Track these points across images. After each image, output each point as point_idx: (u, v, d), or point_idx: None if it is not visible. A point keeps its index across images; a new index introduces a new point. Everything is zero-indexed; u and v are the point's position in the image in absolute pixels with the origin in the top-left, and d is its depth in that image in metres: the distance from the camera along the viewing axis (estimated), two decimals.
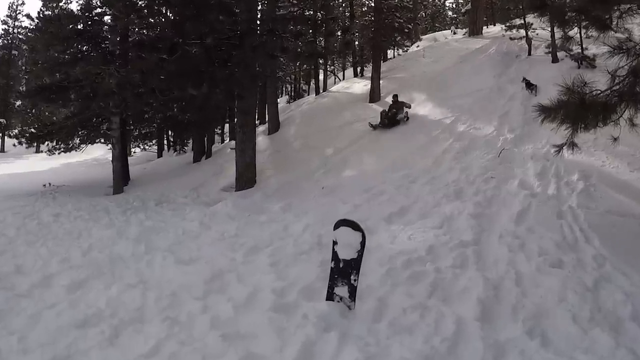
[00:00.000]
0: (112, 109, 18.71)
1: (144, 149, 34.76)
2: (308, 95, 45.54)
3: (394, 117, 18.00)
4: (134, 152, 37.61)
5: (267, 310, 5.46)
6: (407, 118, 18.19)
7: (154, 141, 34.28)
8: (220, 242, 9.07)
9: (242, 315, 5.46)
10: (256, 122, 19.45)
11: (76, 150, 25.41)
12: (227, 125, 32.35)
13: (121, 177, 20.35)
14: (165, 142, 40.04)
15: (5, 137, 53.32)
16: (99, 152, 44.36)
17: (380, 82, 23.47)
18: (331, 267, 5.41)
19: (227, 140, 30.06)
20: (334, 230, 5.32)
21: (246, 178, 15.20)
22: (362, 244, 5.21)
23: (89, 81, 19.19)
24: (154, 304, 6.06)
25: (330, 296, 5.41)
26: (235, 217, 11.33)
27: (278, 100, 27.69)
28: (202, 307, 5.79)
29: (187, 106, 18.77)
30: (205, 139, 25.85)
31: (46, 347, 5.11)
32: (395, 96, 19.01)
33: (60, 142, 24.01)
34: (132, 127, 24.77)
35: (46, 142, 25.03)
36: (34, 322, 5.80)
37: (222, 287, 6.43)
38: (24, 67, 57.18)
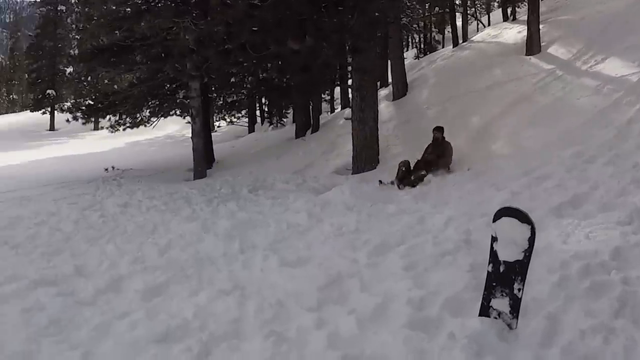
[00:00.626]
0: (191, 71, 18.89)
1: (231, 122, 35.49)
2: (442, 47, 45.18)
3: (418, 177, 13.59)
4: (219, 127, 38.58)
5: (402, 326, 5.40)
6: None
7: (243, 112, 35.05)
8: (337, 238, 9.14)
9: (368, 333, 5.43)
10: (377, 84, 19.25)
11: (145, 126, 26.26)
12: (337, 90, 32.40)
13: (203, 158, 20.73)
14: (258, 112, 40.81)
15: (56, 112, 55.88)
16: (174, 128, 45.87)
17: (540, 27, 22.82)
18: (488, 272, 5.25)
19: (339, 109, 30.09)
20: (493, 222, 5.13)
21: (366, 157, 15.29)
22: (531, 241, 4.97)
23: (158, 38, 19.55)
24: (253, 315, 6.17)
25: (485, 311, 5.28)
26: (354, 206, 11.38)
27: (404, 55, 27.52)
28: (316, 320, 5.82)
29: (287, 65, 18.80)
30: (310, 107, 25.95)
31: None
32: (438, 130, 14.88)
33: (125, 116, 24.96)
34: (215, 95, 25.26)
35: (107, 117, 25.86)
36: (101, 335, 6.04)
37: (341, 296, 6.46)
38: (74, 26, 59.07)
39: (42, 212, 14.38)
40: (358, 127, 15.25)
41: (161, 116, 25.39)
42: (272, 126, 37.84)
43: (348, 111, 18.36)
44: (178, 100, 23.42)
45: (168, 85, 22.63)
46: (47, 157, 36.84)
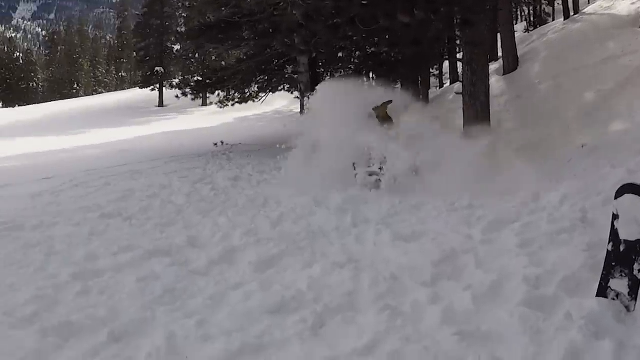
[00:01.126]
0: (300, 46, 18.75)
1: None
2: (553, 20, 44.16)
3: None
4: None
5: (517, 304, 5.31)
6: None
7: None
8: (450, 214, 9.09)
9: (483, 309, 5.38)
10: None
11: (253, 101, 26.84)
12: (445, 64, 32.01)
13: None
14: None
15: (164, 89, 57.10)
16: (282, 103, 46.23)
17: None
18: (607, 251, 5.06)
19: (447, 84, 29.70)
20: (615, 198, 4.94)
21: (476, 131, 14.92)
22: None
23: (266, 14, 19.63)
24: (368, 288, 6.19)
25: (602, 291, 5.09)
26: (467, 182, 11.15)
27: (514, 28, 26.98)
28: (431, 295, 5.79)
29: (397, 39, 18.61)
30: (419, 82, 25.62)
31: (232, 335, 5.38)
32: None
33: (234, 91, 25.22)
34: (322, 70, 25.28)
35: (216, 93, 26.24)
36: (216, 305, 6.20)
37: (455, 272, 6.42)
38: (181, 4, 59.77)
39: (154, 185, 14.85)
40: (469, 102, 14.90)
41: (270, 91, 25.58)
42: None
43: (458, 85, 18.09)
44: (287, 76, 23.51)
45: (276, 61, 22.74)
46: (156, 132, 37.97)
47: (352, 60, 23.09)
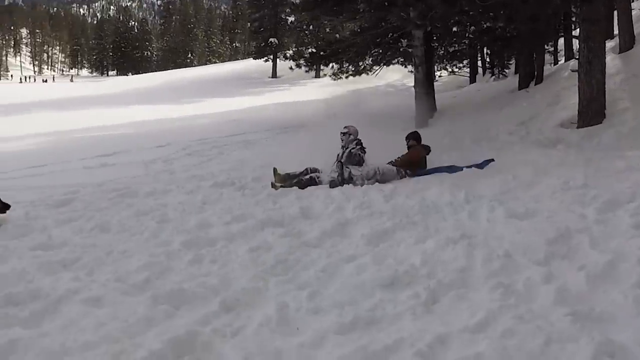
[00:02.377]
0: (415, 20, 18.50)
1: (452, 72, 35.11)
2: None
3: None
4: (440, 76, 38.07)
5: (632, 286, 5.22)
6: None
7: (464, 62, 34.46)
8: (564, 193, 8.89)
9: (597, 290, 5.30)
10: None
11: (367, 74, 26.37)
12: (560, 41, 31.27)
13: (426, 107, 20.78)
14: (479, 63, 39.99)
15: (278, 60, 57.53)
16: (394, 77, 46.04)
17: None
18: None
19: (562, 61, 29.01)
20: None
21: (592, 111, 14.44)
22: None
23: None
24: (481, 265, 6.18)
25: None
26: (580, 161, 11.02)
27: (631, 5, 26.10)
28: (545, 274, 5.73)
29: (513, 15, 18.28)
30: (534, 59, 25.00)
31: (344, 308, 5.43)
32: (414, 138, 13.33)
33: (348, 64, 25.06)
34: (437, 45, 25.05)
35: (330, 65, 26.31)
36: (328, 277, 6.28)
37: (569, 251, 6.33)
38: None
39: (265, 154, 15.03)
40: (585, 79, 14.42)
41: (383, 64, 25.40)
42: (493, 77, 36.90)
43: (574, 62, 17.66)
44: (401, 49, 23.38)
45: (391, 34, 22.58)
46: (269, 102, 38.45)
47: (467, 35, 22.75)
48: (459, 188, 9.59)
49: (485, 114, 19.69)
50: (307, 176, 11.82)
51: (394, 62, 25.65)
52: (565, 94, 17.71)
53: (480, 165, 11.62)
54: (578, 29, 16.35)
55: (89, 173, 14.58)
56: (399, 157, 12.44)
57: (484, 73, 40.16)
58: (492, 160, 11.57)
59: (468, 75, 38.06)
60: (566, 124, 15.14)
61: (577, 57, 15.18)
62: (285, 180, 11.77)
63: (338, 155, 12.10)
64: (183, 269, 6.80)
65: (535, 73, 24.40)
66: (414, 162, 12.37)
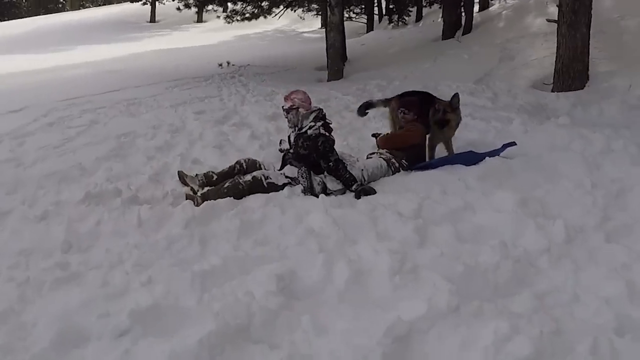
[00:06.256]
0: None
1: (349, 17, 34.02)
2: None
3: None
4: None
5: None
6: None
7: (360, 7, 34.25)
8: None
9: None
10: None
11: (265, 17, 25.53)
12: None
13: (339, 57, 19.21)
14: (375, 8, 38.37)
15: (157, 3, 53.22)
16: (282, 22, 43.52)
17: None
18: None
19: (496, 5, 25.73)
20: None
21: (574, 71, 12.11)
22: None
23: None
24: None
25: None
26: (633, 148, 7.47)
27: None
28: None
29: None
30: (462, 3, 22.20)
31: None
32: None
33: (245, 3, 24.10)
34: None
35: (223, 7, 25.64)
36: None
37: None
38: None
39: (162, 126, 10.66)
40: (567, 33, 12.07)
41: (295, 7, 23.76)
42: (392, 24, 34.84)
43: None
44: None
45: None
46: (150, 49, 34.49)
47: None
48: (537, 206, 5.64)
49: (418, 65, 17.33)
50: (249, 177, 6.64)
51: (304, 9, 24.22)
52: (515, 47, 15.58)
53: (497, 152, 7.37)
54: None
55: None
56: (384, 134, 7.94)
57: (380, 20, 38.86)
58: (514, 143, 7.23)
59: (365, 22, 36.59)
60: (538, 85, 12.84)
61: (558, 4, 12.44)
62: (205, 185, 6.91)
63: (289, 139, 7.22)
64: None
65: (465, 20, 21.81)
66: (414, 146, 7.47)
